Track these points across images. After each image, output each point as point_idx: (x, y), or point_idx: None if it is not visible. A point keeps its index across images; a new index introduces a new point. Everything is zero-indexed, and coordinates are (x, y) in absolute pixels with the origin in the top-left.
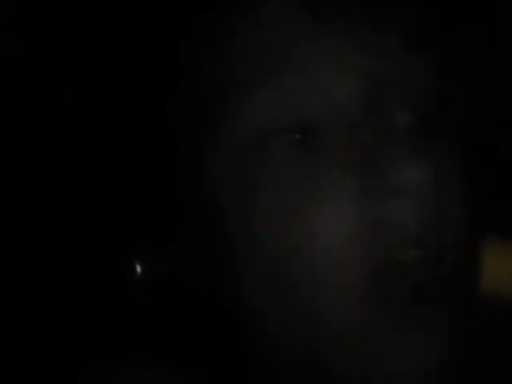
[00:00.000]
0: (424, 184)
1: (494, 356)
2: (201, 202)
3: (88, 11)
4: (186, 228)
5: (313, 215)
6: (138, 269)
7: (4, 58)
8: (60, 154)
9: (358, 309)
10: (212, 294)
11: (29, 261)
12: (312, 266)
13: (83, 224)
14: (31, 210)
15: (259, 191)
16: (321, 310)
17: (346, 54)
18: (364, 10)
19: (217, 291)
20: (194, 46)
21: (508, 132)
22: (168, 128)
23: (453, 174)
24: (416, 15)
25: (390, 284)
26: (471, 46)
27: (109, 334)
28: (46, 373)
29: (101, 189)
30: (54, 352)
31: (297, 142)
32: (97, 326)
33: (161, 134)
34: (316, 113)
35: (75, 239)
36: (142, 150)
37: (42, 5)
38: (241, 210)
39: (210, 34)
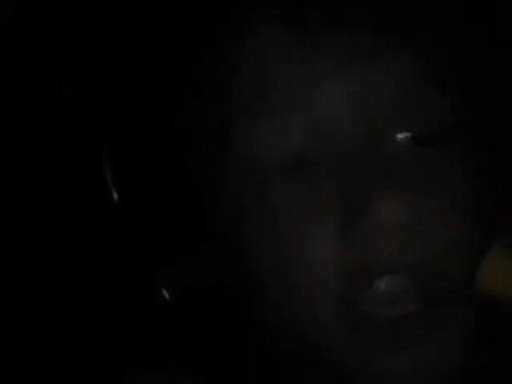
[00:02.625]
0: (425, 213)
1: (496, 355)
2: (218, 216)
3: (88, 11)
4: (207, 241)
5: (308, 237)
6: (163, 289)
7: (4, 58)
8: (63, 155)
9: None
10: (234, 302)
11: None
12: (308, 280)
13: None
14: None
15: (262, 213)
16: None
17: (347, 82)
18: (368, 36)
19: (237, 298)
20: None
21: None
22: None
23: (457, 197)
24: (423, 41)
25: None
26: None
27: (126, 336)
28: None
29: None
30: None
31: (294, 169)
32: (114, 329)
33: (172, 144)
34: (314, 142)
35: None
36: (156, 160)
37: (42, 5)
38: (251, 226)
39: (213, 58)
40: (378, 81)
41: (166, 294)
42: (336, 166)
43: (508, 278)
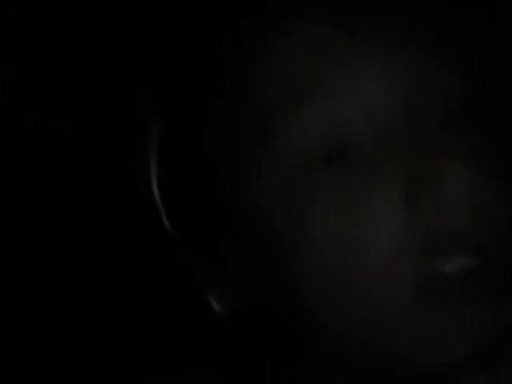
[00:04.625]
0: (472, 192)
1: None
2: (251, 223)
3: (89, 11)
4: (245, 254)
5: (361, 227)
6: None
7: (4, 56)
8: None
9: (411, 309)
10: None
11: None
12: (366, 275)
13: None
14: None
15: (307, 208)
16: (376, 312)
17: (381, 66)
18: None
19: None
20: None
21: None
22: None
23: (502, 178)
24: (444, 20)
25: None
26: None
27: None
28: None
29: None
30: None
31: (337, 159)
32: (154, 340)
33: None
34: (354, 131)
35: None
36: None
37: (41, 4)
38: (290, 224)
39: (246, 51)
40: (414, 68)
41: (216, 306)
42: (385, 148)
43: None
